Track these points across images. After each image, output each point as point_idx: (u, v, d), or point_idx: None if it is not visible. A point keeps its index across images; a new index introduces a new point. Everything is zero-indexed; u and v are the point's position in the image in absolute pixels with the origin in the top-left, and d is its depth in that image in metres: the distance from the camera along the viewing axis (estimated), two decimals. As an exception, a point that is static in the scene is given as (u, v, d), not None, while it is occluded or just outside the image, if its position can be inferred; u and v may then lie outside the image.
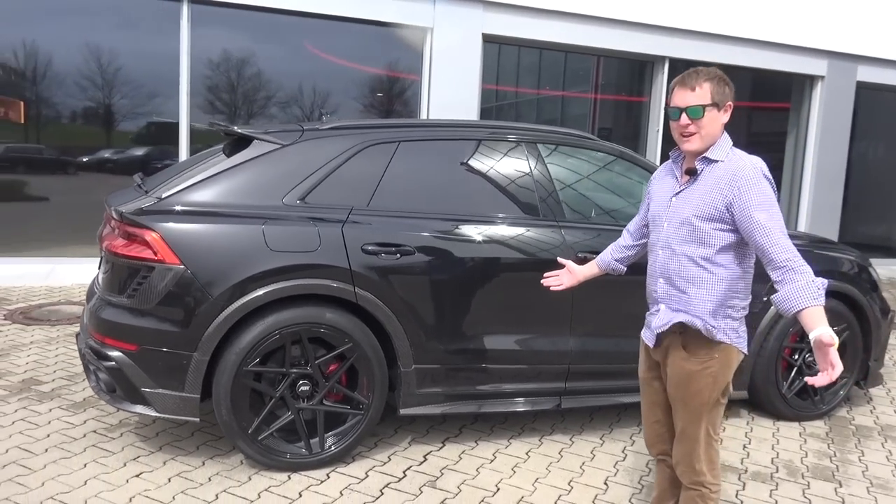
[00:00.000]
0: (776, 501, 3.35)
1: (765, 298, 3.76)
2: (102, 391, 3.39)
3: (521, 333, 3.72)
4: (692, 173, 2.45)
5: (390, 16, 7.93)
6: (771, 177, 2.38)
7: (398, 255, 3.46)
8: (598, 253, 3.01)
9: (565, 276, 2.95)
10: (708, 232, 2.36)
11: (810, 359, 4.23)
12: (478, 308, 3.61)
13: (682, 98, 2.40)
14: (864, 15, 10.07)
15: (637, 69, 9.84)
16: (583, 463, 3.65)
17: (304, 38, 8.08)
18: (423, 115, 8.27)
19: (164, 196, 3.35)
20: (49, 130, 7.54)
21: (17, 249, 7.19)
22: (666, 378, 2.54)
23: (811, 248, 4.45)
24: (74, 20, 7.23)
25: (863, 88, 10.50)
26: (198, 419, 3.31)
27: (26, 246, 7.23)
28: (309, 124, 3.74)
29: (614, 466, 3.63)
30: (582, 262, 3.08)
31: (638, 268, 2.86)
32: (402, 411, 3.55)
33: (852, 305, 4.39)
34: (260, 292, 3.25)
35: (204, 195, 3.36)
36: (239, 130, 3.72)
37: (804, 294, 2.17)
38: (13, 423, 3.77)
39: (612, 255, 2.90)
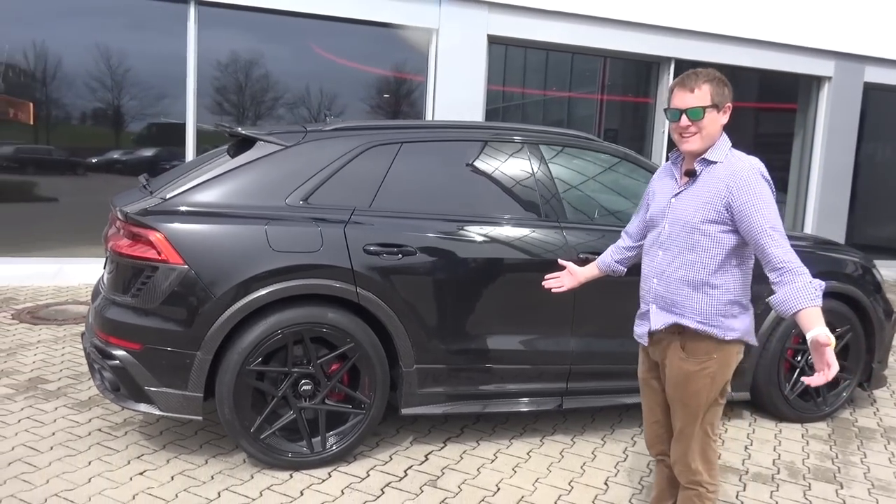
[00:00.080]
0: (776, 502, 3.35)
1: (767, 300, 3.75)
2: (107, 390, 3.42)
3: (523, 334, 3.73)
4: (691, 174, 2.46)
5: (396, 17, 7.96)
6: (769, 178, 2.39)
7: (400, 255, 3.48)
8: (599, 254, 3.02)
9: (566, 278, 2.97)
10: (707, 233, 2.37)
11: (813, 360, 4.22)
12: (479, 308, 3.63)
13: (682, 100, 2.41)
14: (872, 15, 10.04)
15: (643, 70, 9.84)
16: (584, 463, 3.66)
17: (311, 40, 8.11)
18: (429, 116, 8.29)
19: (168, 197, 3.38)
20: (58, 131, 7.60)
21: (26, 249, 7.25)
22: (664, 378, 2.56)
23: (815, 250, 4.46)
24: (82, 22, 7.29)
25: (870, 89, 10.46)
26: (201, 418, 3.34)
27: (34, 246, 7.29)
28: (312, 125, 3.77)
29: (615, 467, 3.64)
30: (583, 263, 3.09)
31: (639, 269, 2.86)
32: (404, 411, 3.57)
33: (856, 307, 4.38)
34: (262, 292, 3.27)
35: (208, 196, 3.39)
36: (243, 132, 3.75)
37: (802, 295, 2.19)
38: (19, 421, 3.81)
39: (613, 257, 2.91)
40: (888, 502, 3.42)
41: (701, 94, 2.38)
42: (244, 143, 3.69)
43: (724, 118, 2.44)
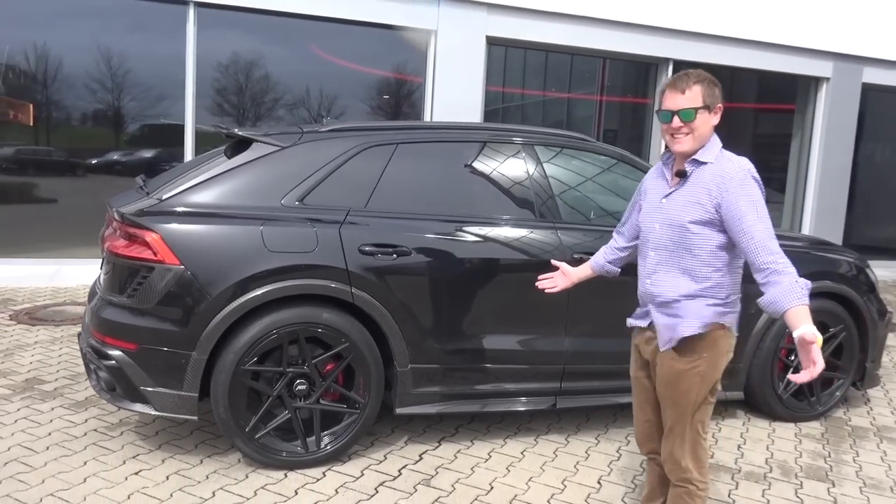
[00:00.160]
0: (768, 501, 3.37)
1: (757, 301, 3.77)
2: (103, 390, 3.44)
3: (517, 334, 3.75)
4: (682, 175, 2.48)
5: (395, 18, 7.98)
6: (759, 178, 2.40)
7: (395, 255, 3.49)
8: (594, 254, 3.04)
9: (559, 278, 2.98)
10: (697, 233, 2.39)
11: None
12: (473, 308, 3.65)
13: (674, 101, 2.43)
14: (870, 17, 10.05)
15: (642, 71, 9.86)
16: (577, 462, 3.68)
17: (309, 41, 8.13)
18: (428, 117, 8.31)
19: (164, 197, 3.41)
20: (58, 133, 7.63)
21: (25, 250, 7.28)
22: (655, 377, 2.57)
23: (810, 250, 4.48)
24: (82, 24, 7.32)
25: (868, 90, 10.48)
26: (196, 418, 3.36)
27: (33, 247, 7.32)
28: (308, 126, 3.79)
29: (608, 466, 3.66)
30: (577, 263, 3.11)
31: (632, 269, 2.87)
32: (398, 410, 3.59)
33: (850, 307, 4.40)
34: (258, 292, 3.29)
35: (204, 196, 3.42)
36: (239, 133, 3.77)
37: (789, 295, 2.21)
38: (15, 421, 3.83)
39: (605, 258, 2.92)
40: (879, 500, 3.44)
41: (692, 96, 2.40)
42: (241, 144, 3.71)
43: (715, 119, 2.46)
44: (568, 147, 4.14)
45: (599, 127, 10.06)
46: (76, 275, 7.06)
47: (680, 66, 9.25)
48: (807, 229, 10.29)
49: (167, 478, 3.30)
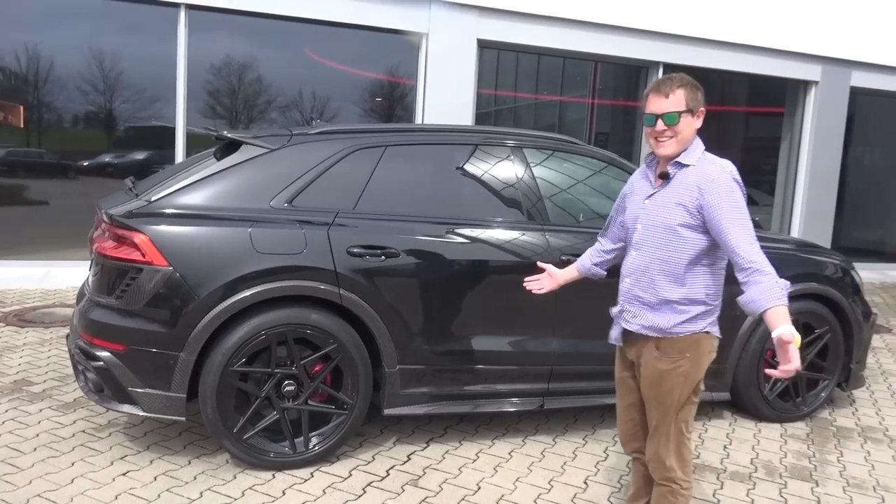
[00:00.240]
0: (753, 500, 3.40)
1: (736, 299, 3.80)
2: (91, 391, 3.44)
3: (505, 335, 3.77)
4: (665, 177, 2.51)
5: (386, 21, 8.01)
6: (740, 180, 2.44)
7: (383, 257, 3.51)
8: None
9: (545, 280, 3.01)
10: (679, 234, 2.42)
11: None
12: (461, 310, 3.67)
13: (658, 105, 2.46)
14: (858, 20, 10.14)
15: (633, 74, 9.91)
16: (564, 463, 3.70)
17: (301, 44, 8.15)
18: (419, 120, 8.34)
19: (153, 199, 3.42)
20: (49, 135, 7.62)
21: (15, 252, 7.27)
22: (639, 377, 2.60)
23: (796, 252, 4.51)
24: (73, 26, 7.32)
25: (857, 94, 10.57)
26: (184, 419, 3.37)
27: (23, 249, 7.31)
28: (298, 129, 3.81)
29: (595, 466, 3.68)
30: (565, 265, 3.13)
31: (619, 271, 2.90)
32: (387, 411, 3.60)
33: (835, 308, 4.44)
34: (246, 293, 3.31)
35: (193, 198, 3.43)
36: (228, 135, 3.79)
37: (768, 295, 2.24)
38: (3, 422, 3.83)
39: (591, 260, 2.95)
40: (862, 500, 3.47)
41: (676, 100, 2.44)
42: (230, 147, 3.73)
43: (697, 122, 2.49)
44: (557, 150, 4.16)
45: (591, 130, 10.10)
46: (66, 277, 7.05)
47: (670, 69, 9.30)
48: (796, 232, 10.36)
49: (155, 479, 3.30)
